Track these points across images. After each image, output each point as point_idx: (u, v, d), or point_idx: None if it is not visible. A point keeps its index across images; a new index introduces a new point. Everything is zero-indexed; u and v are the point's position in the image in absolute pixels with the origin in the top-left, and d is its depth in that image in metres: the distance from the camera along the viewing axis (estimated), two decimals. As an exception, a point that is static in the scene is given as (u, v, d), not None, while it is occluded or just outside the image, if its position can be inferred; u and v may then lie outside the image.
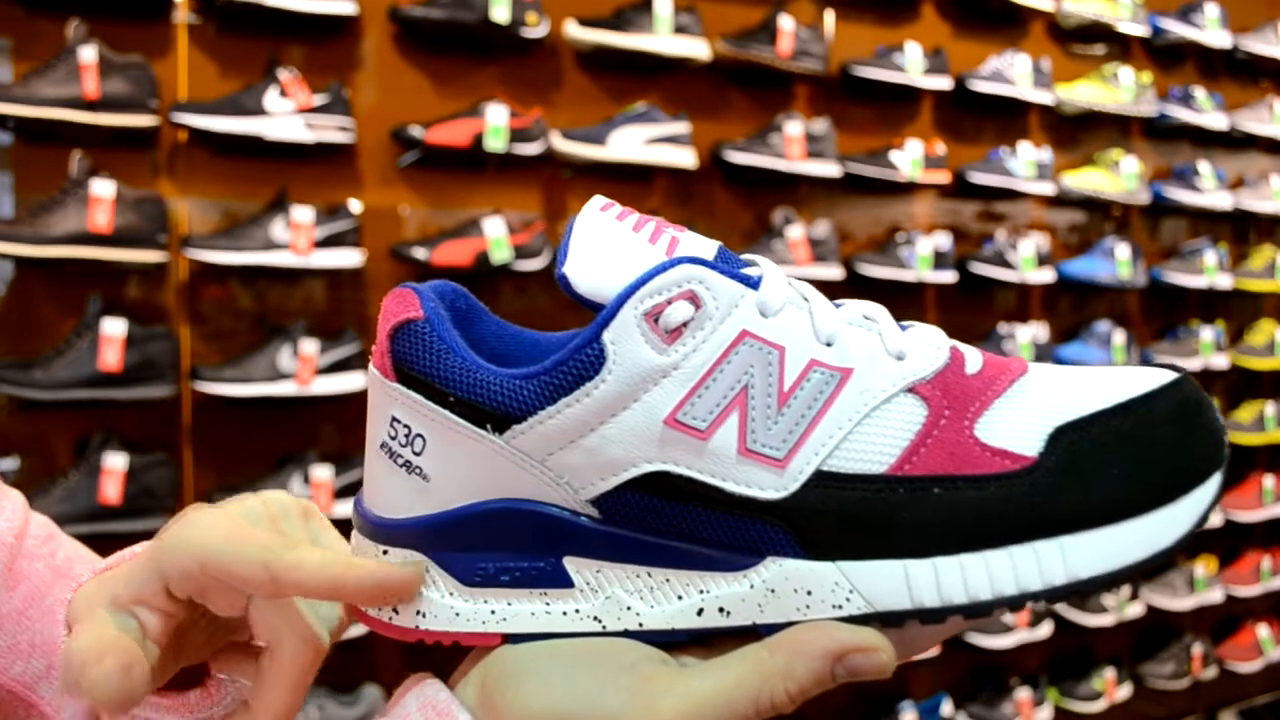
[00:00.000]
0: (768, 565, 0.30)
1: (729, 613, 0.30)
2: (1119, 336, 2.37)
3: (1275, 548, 2.72)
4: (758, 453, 0.30)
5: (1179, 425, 0.30)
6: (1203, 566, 2.57)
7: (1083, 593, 0.29)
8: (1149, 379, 0.31)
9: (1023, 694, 2.27)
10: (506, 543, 0.31)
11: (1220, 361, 2.54)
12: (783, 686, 0.28)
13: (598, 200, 0.32)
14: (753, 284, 0.30)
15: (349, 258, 1.62)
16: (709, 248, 0.31)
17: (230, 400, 1.55)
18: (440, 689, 0.30)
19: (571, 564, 0.31)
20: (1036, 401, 0.31)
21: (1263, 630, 2.68)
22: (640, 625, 0.31)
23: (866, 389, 0.30)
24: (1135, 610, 2.45)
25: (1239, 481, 2.69)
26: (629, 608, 0.31)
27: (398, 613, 0.32)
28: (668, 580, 0.31)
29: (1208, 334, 2.52)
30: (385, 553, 0.32)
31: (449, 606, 0.32)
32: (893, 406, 0.30)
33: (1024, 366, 0.32)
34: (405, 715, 0.30)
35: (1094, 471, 0.29)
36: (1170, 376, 0.31)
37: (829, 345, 0.30)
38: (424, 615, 0.32)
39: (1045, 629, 2.32)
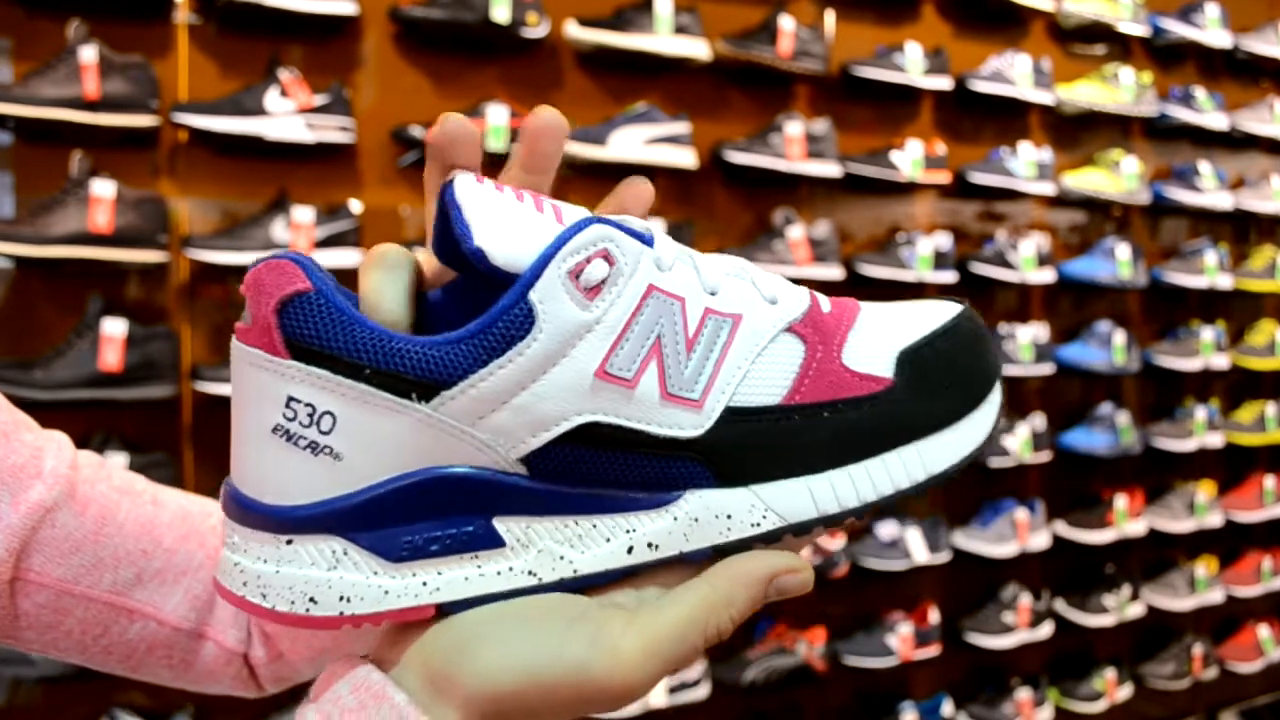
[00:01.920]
0: (688, 498, 0.33)
1: (657, 546, 0.32)
2: (1119, 337, 2.37)
3: (1276, 548, 2.72)
4: (677, 395, 0.32)
5: (975, 344, 0.36)
6: (1203, 567, 2.57)
7: (936, 484, 0.34)
8: (947, 309, 0.37)
9: (1023, 694, 2.27)
10: (432, 511, 0.31)
11: (1221, 362, 2.54)
12: (727, 614, 0.31)
13: (467, 175, 0.32)
14: (648, 241, 0.32)
15: (349, 258, 1.62)
16: (585, 213, 0.33)
17: (230, 400, 1.54)
18: (372, 670, 0.30)
19: (501, 523, 0.31)
20: (878, 332, 0.35)
21: (1263, 630, 2.68)
22: (575, 572, 0.32)
23: (755, 331, 0.33)
24: (1136, 610, 2.45)
25: (1240, 482, 2.69)
26: (562, 557, 0.32)
27: (316, 603, 0.30)
28: (594, 526, 0.32)
29: (1208, 334, 2.52)
30: (289, 542, 0.31)
31: (376, 586, 0.31)
32: (777, 345, 0.34)
33: (858, 304, 0.37)
34: (337, 699, 0.29)
35: (931, 387, 0.35)
36: (958, 307, 0.37)
37: (714, 295, 0.33)
38: (349, 600, 0.31)
39: (1046, 629, 2.32)
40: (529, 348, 0.30)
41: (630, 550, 0.32)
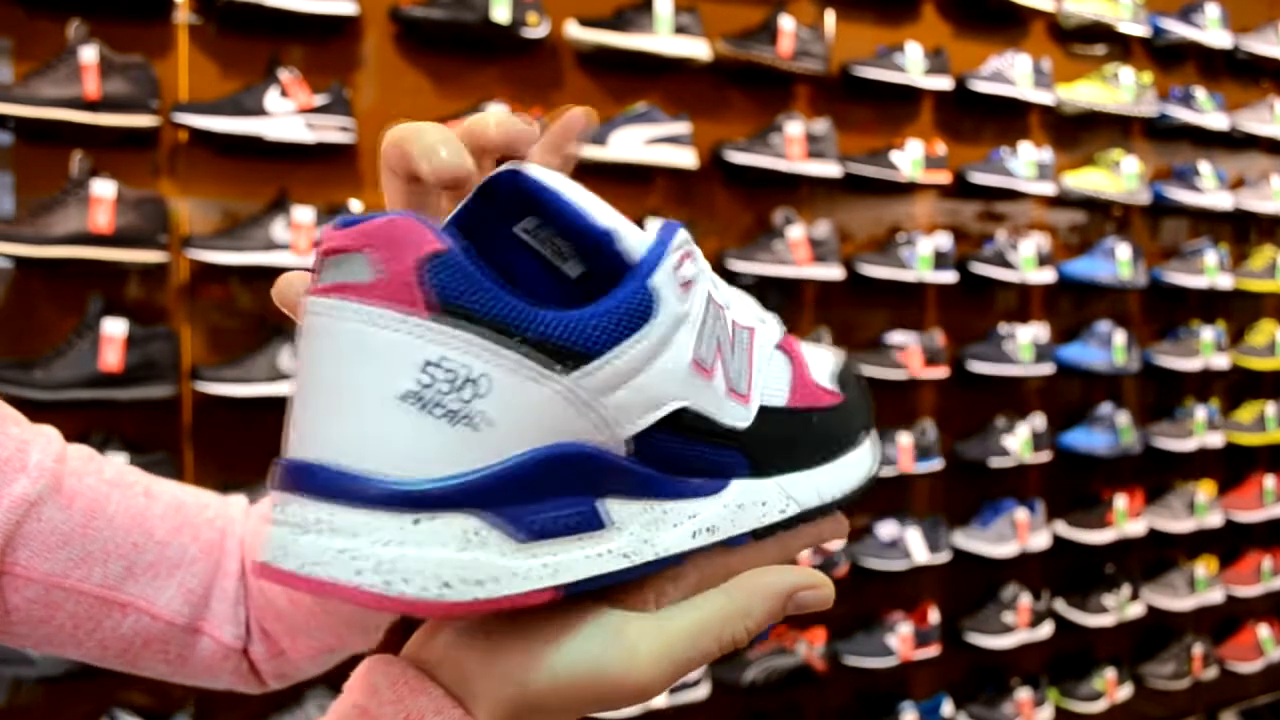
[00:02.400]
0: (732, 487, 0.35)
1: (714, 530, 0.34)
2: (1119, 337, 2.37)
3: (1276, 548, 2.72)
4: (735, 390, 0.35)
5: (861, 377, 0.43)
6: (1203, 567, 2.57)
7: (873, 483, 0.40)
8: (833, 351, 0.43)
9: (1023, 694, 2.27)
10: (556, 489, 0.30)
11: (1221, 362, 2.54)
12: (743, 625, 0.33)
13: (526, 163, 0.33)
14: None
15: (349, 258, 1.62)
16: None
17: (230, 400, 1.55)
18: (408, 667, 0.30)
19: (602, 505, 0.32)
20: (813, 357, 0.40)
21: (1263, 630, 2.68)
22: (656, 554, 0.32)
23: (763, 344, 0.37)
24: (1136, 610, 2.45)
25: (1240, 481, 2.69)
26: (645, 540, 0.32)
27: (450, 587, 0.28)
28: (665, 511, 0.33)
29: (1208, 334, 2.52)
30: (418, 521, 0.28)
31: (507, 568, 0.29)
32: (774, 357, 0.38)
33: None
34: (375, 692, 0.30)
35: (855, 407, 0.40)
36: (840, 353, 0.43)
37: (728, 308, 0.36)
38: (482, 583, 0.28)
39: (1046, 629, 2.32)
40: (655, 329, 0.31)
41: (694, 534, 0.34)
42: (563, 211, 0.32)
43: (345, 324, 0.28)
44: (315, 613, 0.49)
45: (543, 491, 0.30)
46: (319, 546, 0.27)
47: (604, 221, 0.31)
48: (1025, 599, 2.27)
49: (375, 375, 0.27)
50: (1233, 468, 2.70)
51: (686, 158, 1.87)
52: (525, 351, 0.28)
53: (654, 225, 0.34)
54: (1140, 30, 2.44)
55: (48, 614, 0.48)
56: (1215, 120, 2.52)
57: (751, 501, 0.35)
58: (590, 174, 1.86)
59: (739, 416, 0.35)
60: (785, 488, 0.36)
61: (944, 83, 2.14)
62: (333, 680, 1.61)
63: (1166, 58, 2.58)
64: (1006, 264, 2.22)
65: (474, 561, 0.28)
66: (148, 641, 0.50)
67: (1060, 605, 2.40)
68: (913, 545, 2.11)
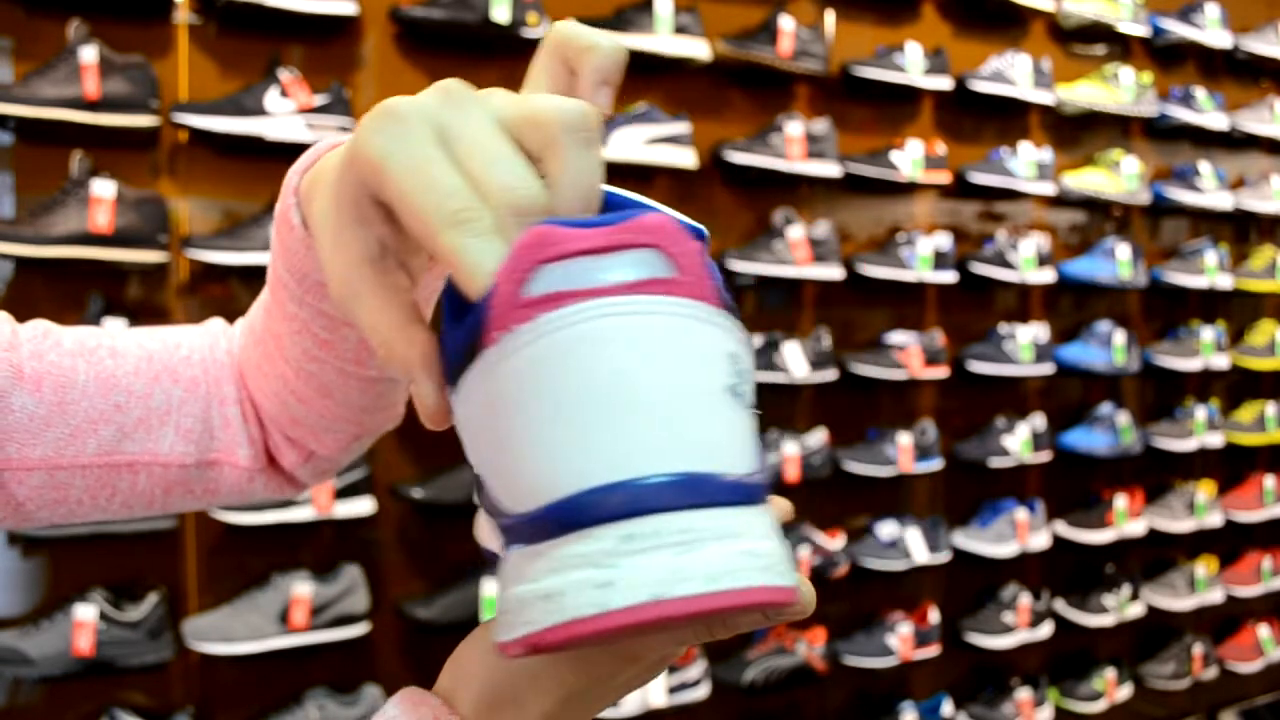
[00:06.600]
0: None
1: None
2: (1119, 337, 2.37)
3: (1276, 548, 2.72)
4: None
5: None
6: (1203, 566, 2.57)
7: None
8: None
9: (1023, 694, 2.27)
10: None
11: (1221, 361, 2.54)
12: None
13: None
14: None
15: (349, 258, 1.62)
16: None
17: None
18: (416, 689, 0.33)
19: None
20: None
21: (1263, 630, 2.68)
22: None
23: None
24: (1136, 610, 2.45)
25: (1240, 481, 2.69)
26: None
27: (786, 577, 0.26)
28: None
29: (1208, 334, 2.52)
30: (764, 515, 0.27)
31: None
32: None
33: None
34: (383, 715, 0.33)
35: None
36: None
37: None
38: (788, 574, 0.27)
39: (1046, 629, 2.32)
40: None
41: None
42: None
43: (669, 320, 0.26)
44: (328, 408, 0.48)
45: None
46: (723, 555, 0.24)
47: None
48: (1025, 599, 2.27)
49: (706, 371, 0.26)
50: (1233, 468, 2.70)
51: (686, 158, 1.87)
52: (742, 330, 0.28)
53: None
54: (1140, 30, 2.44)
55: (60, 495, 0.47)
56: (1215, 120, 2.52)
57: None
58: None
59: None
60: None
61: (944, 83, 2.14)
62: (333, 681, 1.60)
63: (1166, 58, 2.58)
64: (1006, 264, 2.22)
65: (787, 551, 0.27)
66: (168, 488, 0.50)
67: (1060, 605, 2.40)
68: (913, 545, 2.11)
